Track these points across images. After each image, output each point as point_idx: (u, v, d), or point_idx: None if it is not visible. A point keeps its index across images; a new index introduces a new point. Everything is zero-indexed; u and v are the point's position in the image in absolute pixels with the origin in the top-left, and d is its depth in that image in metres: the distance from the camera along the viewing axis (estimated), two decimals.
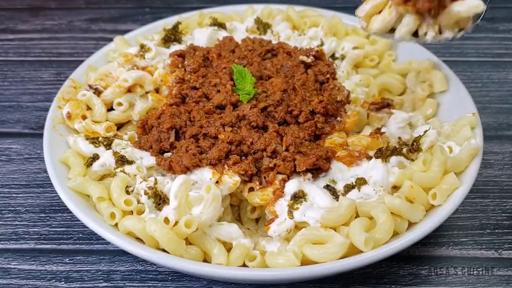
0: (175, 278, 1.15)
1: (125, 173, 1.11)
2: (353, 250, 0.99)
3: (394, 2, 1.06)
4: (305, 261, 0.99)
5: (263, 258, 1.02)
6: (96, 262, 1.18)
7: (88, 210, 1.06)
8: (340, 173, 1.12)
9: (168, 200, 1.06)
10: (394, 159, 1.12)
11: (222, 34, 1.45)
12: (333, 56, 1.45)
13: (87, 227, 1.05)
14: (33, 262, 1.18)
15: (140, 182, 1.09)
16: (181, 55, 1.36)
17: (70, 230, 1.24)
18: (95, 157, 1.15)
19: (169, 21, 1.54)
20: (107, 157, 1.13)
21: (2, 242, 1.22)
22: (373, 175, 1.09)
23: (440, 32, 1.07)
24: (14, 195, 1.33)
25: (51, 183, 1.11)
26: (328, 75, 1.30)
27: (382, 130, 1.20)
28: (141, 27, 1.57)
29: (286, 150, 1.11)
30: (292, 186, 1.07)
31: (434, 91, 1.34)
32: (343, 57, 1.44)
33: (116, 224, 1.05)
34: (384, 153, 1.12)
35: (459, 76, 1.35)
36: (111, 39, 1.50)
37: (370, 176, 1.09)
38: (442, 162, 1.08)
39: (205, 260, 1.04)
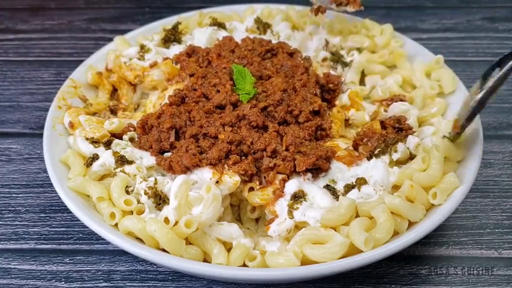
0: (175, 278, 1.15)
1: (124, 173, 1.11)
2: (353, 250, 0.99)
3: None
4: (305, 261, 0.99)
5: (263, 258, 1.02)
6: (96, 262, 1.18)
7: (88, 210, 1.06)
8: (340, 173, 1.12)
9: (168, 200, 1.06)
10: (386, 158, 1.13)
11: (222, 34, 1.45)
12: (338, 61, 1.43)
13: (87, 227, 1.05)
14: (33, 262, 1.18)
15: (140, 182, 1.09)
16: (188, 54, 1.37)
17: (70, 230, 1.24)
18: (95, 157, 1.15)
19: (169, 21, 1.54)
20: (106, 157, 1.13)
21: (2, 242, 1.22)
22: (373, 175, 1.09)
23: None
24: (14, 195, 1.33)
25: (51, 183, 1.11)
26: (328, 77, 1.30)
27: None
28: (141, 27, 1.57)
29: (286, 150, 1.11)
30: (292, 186, 1.07)
31: (445, 92, 1.33)
32: (349, 64, 1.41)
33: (116, 224, 1.05)
34: (375, 154, 1.13)
35: (459, 76, 1.35)
36: (111, 39, 1.50)
37: (370, 175, 1.09)
38: (439, 160, 1.08)
39: (205, 260, 1.04)
